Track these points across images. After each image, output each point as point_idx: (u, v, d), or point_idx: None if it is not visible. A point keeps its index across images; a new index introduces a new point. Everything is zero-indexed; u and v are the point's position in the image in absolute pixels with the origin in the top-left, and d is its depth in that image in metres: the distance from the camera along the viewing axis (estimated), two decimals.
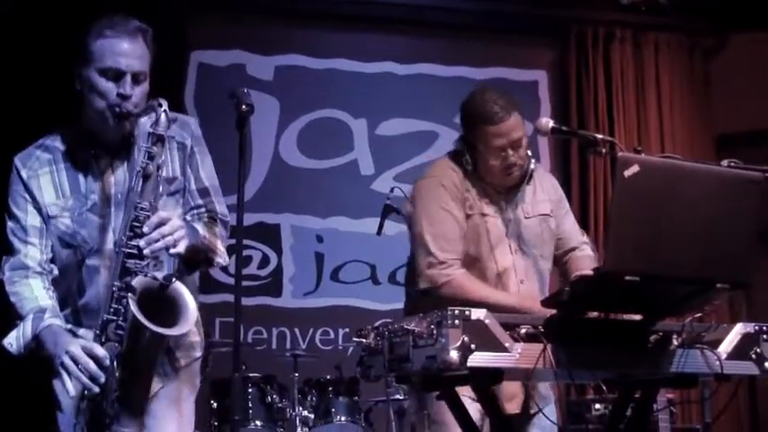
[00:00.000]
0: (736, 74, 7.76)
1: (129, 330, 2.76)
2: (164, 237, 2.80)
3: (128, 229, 2.82)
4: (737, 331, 2.92)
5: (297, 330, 7.26)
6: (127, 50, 2.89)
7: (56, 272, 3.00)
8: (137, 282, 2.78)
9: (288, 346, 7.05)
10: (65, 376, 2.75)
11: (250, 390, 6.00)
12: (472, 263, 3.58)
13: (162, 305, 2.80)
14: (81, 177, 2.99)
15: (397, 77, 7.71)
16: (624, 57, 7.83)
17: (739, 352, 2.89)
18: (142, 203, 2.83)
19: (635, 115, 7.78)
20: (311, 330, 7.28)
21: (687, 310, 2.87)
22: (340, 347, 7.04)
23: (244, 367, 5.75)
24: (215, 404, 5.85)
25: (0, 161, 3.21)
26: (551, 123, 3.34)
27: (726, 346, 2.89)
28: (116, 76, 2.89)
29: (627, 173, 2.54)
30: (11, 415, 5.71)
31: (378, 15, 7.61)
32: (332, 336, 7.28)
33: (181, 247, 2.84)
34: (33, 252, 2.97)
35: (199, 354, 3.18)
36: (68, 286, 2.99)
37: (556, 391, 3.81)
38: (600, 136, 3.17)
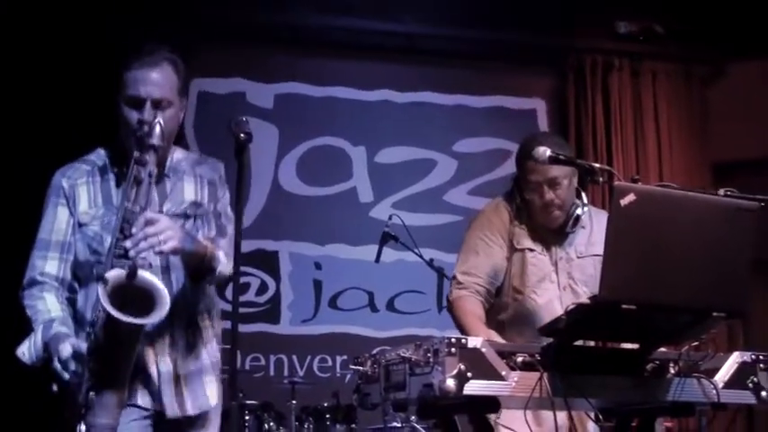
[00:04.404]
0: (734, 102, 7.78)
1: (103, 321, 2.80)
2: (149, 236, 2.86)
3: (117, 232, 2.89)
4: (734, 360, 2.93)
5: (295, 358, 7.25)
6: (148, 79, 3.01)
7: (76, 287, 3.11)
8: (110, 274, 2.81)
9: (286, 373, 7.03)
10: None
11: (247, 417, 5.98)
12: (515, 295, 3.71)
13: (137, 297, 2.82)
14: (113, 190, 3.11)
15: (396, 105, 7.73)
16: (622, 85, 7.85)
17: (736, 381, 2.90)
18: (133, 207, 2.90)
19: (633, 143, 7.80)
20: (309, 358, 7.26)
21: (684, 338, 2.87)
22: (338, 375, 7.02)
23: (241, 395, 5.74)
24: None
25: None
26: (549, 152, 3.37)
27: (723, 375, 2.89)
28: (137, 103, 3.01)
29: (623, 201, 2.55)
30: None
31: (377, 44, 7.64)
32: (330, 363, 7.26)
33: (167, 246, 2.90)
34: (51, 267, 3.10)
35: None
36: (90, 300, 3.05)
37: None
38: (597, 165, 3.19)
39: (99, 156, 3.19)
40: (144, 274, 2.85)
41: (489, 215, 3.80)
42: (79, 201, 3.11)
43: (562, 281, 3.70)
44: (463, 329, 3.53)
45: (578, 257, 3.73)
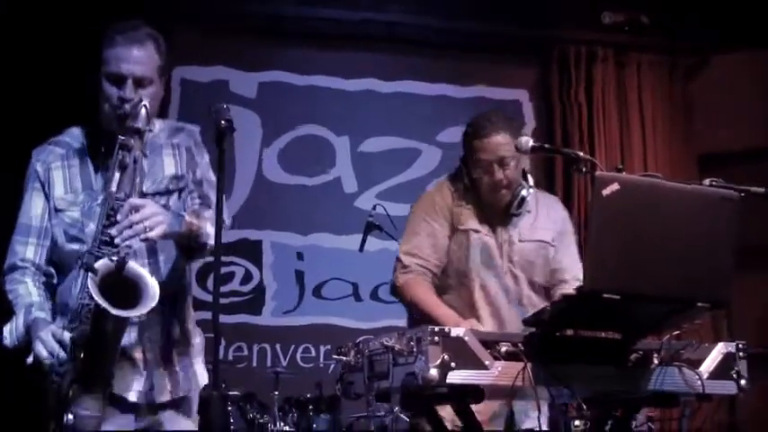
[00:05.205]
0: (719, 93, 7.79)
1: (92, 312, 2.79)
2: (134, 224, 2.83)
3: (104, 219, 2.87)
4: (719, 351, 2.93)
5: (278, 347, 7.22)
6: (130, 56, 2.99)
7: (52, 271, 3.10)
8: (99, 264, 2.80)
9: (269, 363, 7.02)
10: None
11: (230, 408, 5.95)
12: (459, 278, 3.71)
13: (124, 288, 2.82)
14: (92, 173, 3.08)
15: (380, 95, 7.71)
16: (606, 76, 7.84)
17: (720, 371, 2.90)
18: (118, 194, 2.87)
19: (618, 135, 7.80)
20: (292, 348, 7.24)
21: (667, 328, 2.87)
22: (321, 365, 7.01)
23: (223, 385, 5.72)
24: None
25: None
26: (531, 142, 3.36)
27: (707, 366, 2.89)
28: (118, 80, 2.99)
29: (604, 192, 2.55)
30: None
31: (360, 33, 7.61)
32: (313, 353, 7.24)
33: (154, 233, 2.88)
34: (30, 253, 3.08)
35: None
36: (71, 287, 3.02)
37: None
38: (581, 154, 3.18)
39: (73, 136, 3.15)
40: (132, 265, 2.84)
41: (433, 196, 3.80)
42: (54, 185, 3.08)
43: (504, 264, 3.69)
44: (424, 313, 3.51)
45: (520, 241, 3.73)
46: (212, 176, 3.21)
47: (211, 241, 3.06)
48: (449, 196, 3.75)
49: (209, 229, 3.07)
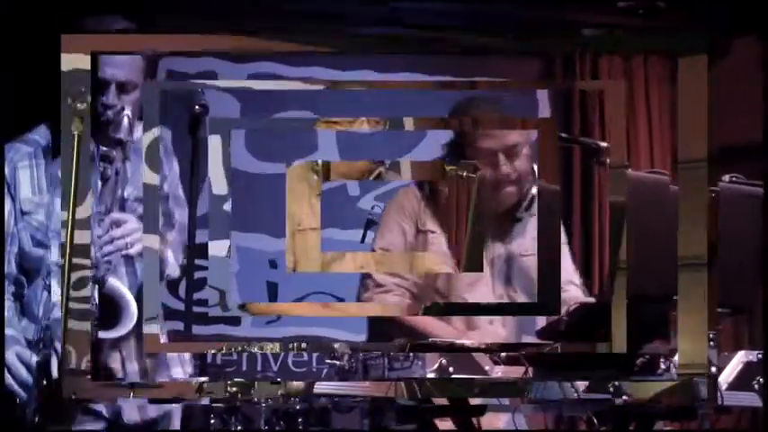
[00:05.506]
0: (732, 85, 7.68)
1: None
2: (115, 239, 2.81)
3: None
4: (739, 359, 2.76)
5: (268, 352, 7.06)
6: (112, 59, 2.93)
7: (22, 280, 2.99)
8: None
9: (259, 368, 6.84)
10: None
11: (212, 421, 5.73)
12: (431, 289, 3.39)
13: (104, 306, 2.81)
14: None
15: (378, 90, 7.61)
16: (613, 68, 7.73)
17: (741, 382, 2.74)
18: (99, 207, 2.83)
19: (624, 129, 7.68)
20: (283, 352, 7.07)
21: None
22: (314, 370, 6.85)
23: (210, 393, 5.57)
24: None
25: None
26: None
27: (726, 376, 2.73)
28: (101, 85, 2.91)
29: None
30: None
31: (356, 23, 7.53)
32: (305, 357, 7.06)
33: (134, 250, 2.85)
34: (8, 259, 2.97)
35: None
36: (37, 296, 2.96)
37: None
38: (603, 144, 3.01)
39: (43, 134, 3.02)
40: (113, 282, 2.83)
41: (400, 200, 3.57)
42: (20, 186, 2.96)
43: (498, 284, 3.37)
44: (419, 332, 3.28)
45: (522, 256, 3.30)
46: (180, 192, 3.12)
47: (170, 270, 3.06)
48: (415, 201, 3.50)
49: (170, 257, 3.05)
